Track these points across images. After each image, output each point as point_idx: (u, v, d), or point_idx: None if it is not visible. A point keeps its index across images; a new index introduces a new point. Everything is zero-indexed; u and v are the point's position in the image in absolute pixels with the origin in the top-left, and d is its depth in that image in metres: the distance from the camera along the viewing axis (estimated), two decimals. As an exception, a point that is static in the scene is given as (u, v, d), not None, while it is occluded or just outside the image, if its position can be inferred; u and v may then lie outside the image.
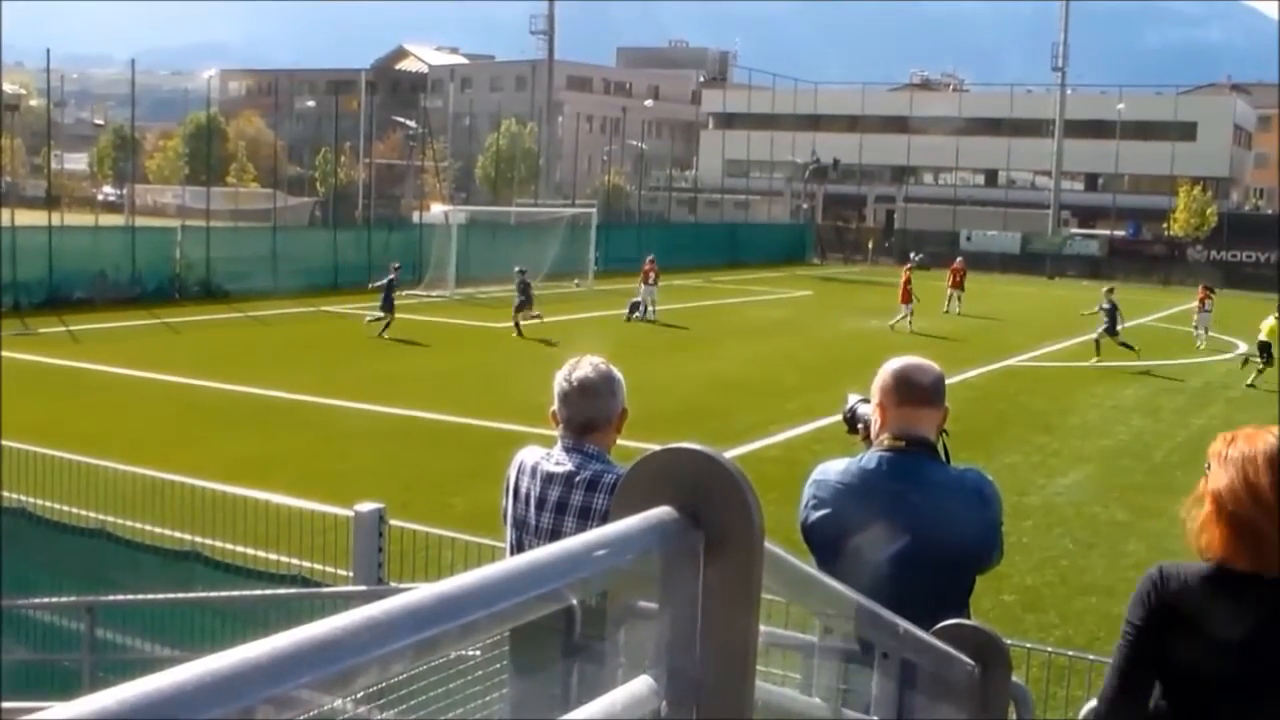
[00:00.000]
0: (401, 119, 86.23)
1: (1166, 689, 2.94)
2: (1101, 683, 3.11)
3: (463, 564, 7.57)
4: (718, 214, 77.81)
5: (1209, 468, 2.95)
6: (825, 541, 3.68)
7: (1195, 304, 33.52)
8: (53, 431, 13.06)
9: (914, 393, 3.82)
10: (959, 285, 38.73)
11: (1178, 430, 20.41)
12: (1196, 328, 33.09)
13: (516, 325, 29.15)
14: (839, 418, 4.44)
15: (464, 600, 0.98)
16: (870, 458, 3.80)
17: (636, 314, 33.49)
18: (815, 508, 3.81)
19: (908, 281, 32.70)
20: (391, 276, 29.31)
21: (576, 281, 44.57)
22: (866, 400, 4.04)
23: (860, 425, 4.11)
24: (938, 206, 75.93)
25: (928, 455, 3.80)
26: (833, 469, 3.87)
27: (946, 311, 37.63)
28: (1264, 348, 25.65)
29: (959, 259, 41.73)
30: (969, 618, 3.12)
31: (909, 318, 32.41)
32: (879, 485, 3.74)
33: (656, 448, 1.26)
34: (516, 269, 30.45)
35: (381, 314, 28.66)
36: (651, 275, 34.24)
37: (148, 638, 8.46)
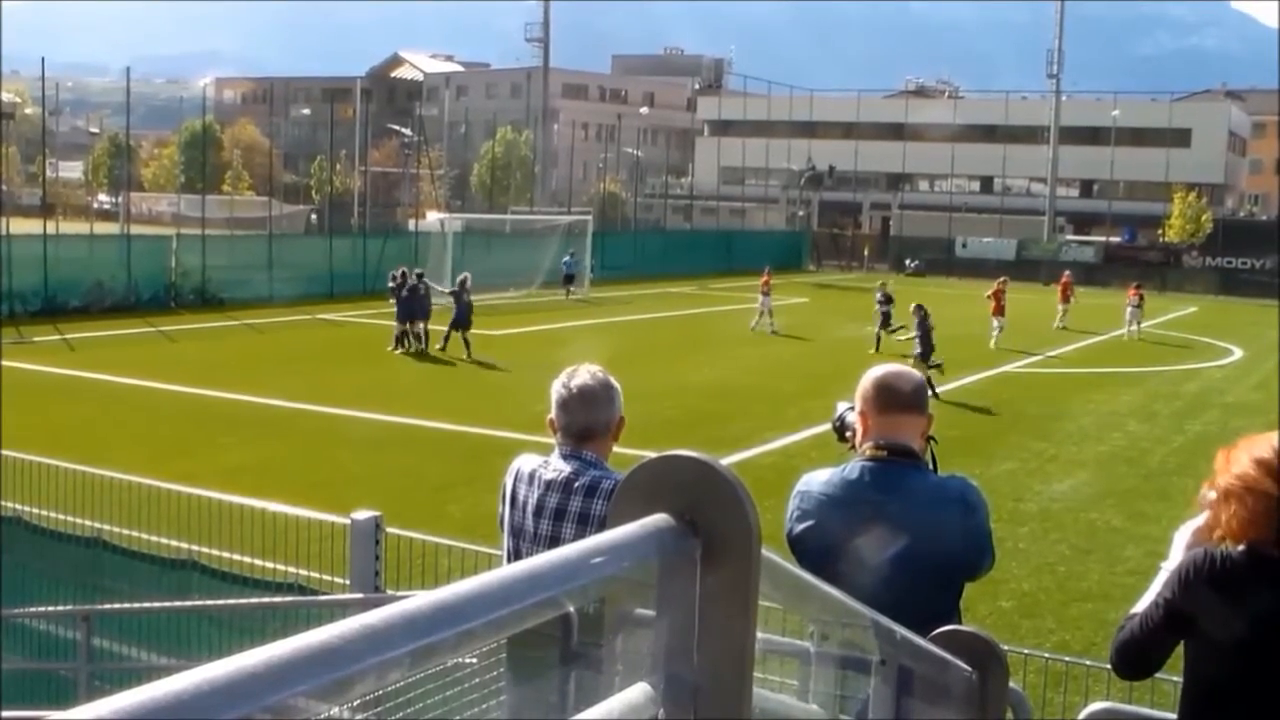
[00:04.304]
0: (397, 127, 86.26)
1: (1202, 659, 3.06)
2: (1102, 689, 3.19)
3: (460, 571, 7.56)
4: (713, 221, 77.86)
5: (1216, 478, 3.04)
6: (811, 553, 3.68)
7: (1133, 299, 35.56)
8: (49, 440, 13.05)
9: (895, 400, 3.82)
10: (1067, 299, 37.95)
11: (1174, 436, 20.41)
12: (1130, 323, 35.28)
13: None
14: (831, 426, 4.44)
15: (461, 608, 0.98)
16: (853, 468, 3.80)
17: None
18: (800, 519, 3.82)
19: (999, 294, 31.55)
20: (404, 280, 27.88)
21: (572, 290, 44.61)
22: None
23: (849, 434, 4.11)
24: (933, 213, 76.02)
25: (910, 464, 3.80)
26: (816, 480, 3.87)
27: (1058, 327, 36.95)
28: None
29: (1066, 273, 40.88)
30: (961, 624, 3.12)
31: (1000, 332, 31.43)
32: (862, 495, 3.74)
33: (653, 455, 1.26)
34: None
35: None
36: (768, 285, 34.19)
37: (144, 646, 8.44)
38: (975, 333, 33.90)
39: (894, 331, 27.98)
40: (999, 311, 31.29)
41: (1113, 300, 39.65)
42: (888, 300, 28.66)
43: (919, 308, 23.83)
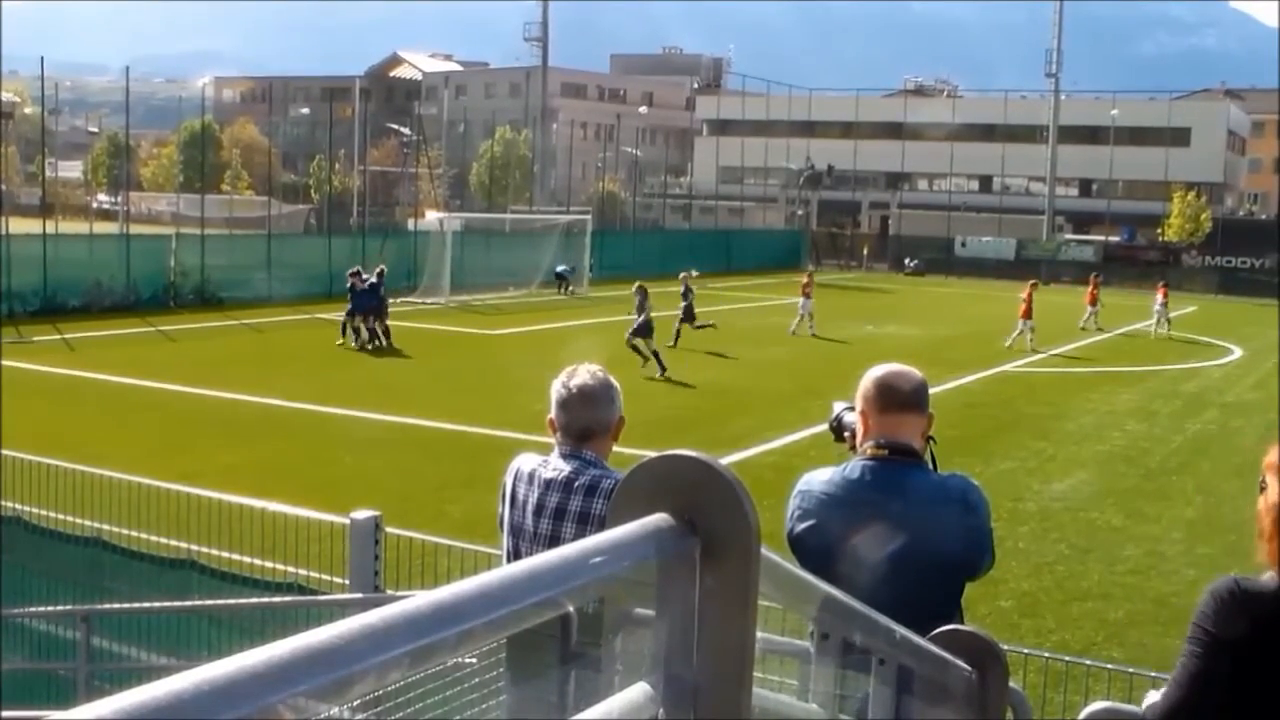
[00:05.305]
0: (396, 126, 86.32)
1: (1234, 702, 2.85)
2: (1102, 688, 3.09)
3: (459, 571, 7.56)
4: (712, 221, 77.87)
5: (1265, 483, 2.88)
6: (812, 552, 3.67)
7: (1159, 298, 36.89)
8: (49, 440, 13.05)
9: (896, 399, 3.81)
10: (1095, 301, 37.70)
11: (1173, 435, 20.43)
12: (1158, 320, 36.59)
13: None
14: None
15: (461, 608, 0.98)
16: (854, 467, 3.80)
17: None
18: (801, 519, 3.81)
19: (1030, 297, 31.56)
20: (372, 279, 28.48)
21: (572, 288, 44.65)
22: (853, 408, 4.04)
23: (847, 434, 4.11)
24: (932, 212, 76.03)
25: (912, 463, 3.79)
26: (817, 479, 3.86)
27: (1083, 328, 37.03)
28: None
29: (1095, 274, 40.81)
30: (961, 624, 3.12)
31: (1027, 334, 31.32)
32: (863, 495, 3.73)
33: (653, 454, 1.26)
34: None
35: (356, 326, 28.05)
36: (810, 288, 34.06)
37: (144, 646, 8.44)
38: (977, 331, 33.94)
39: (700, 327, 28.50)
40: (1028, 314, 31.38)
41: (1111, 299, 39.61)
42: (688, 293, 28.82)
43: (640, 289, 25.22)
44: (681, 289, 28.66)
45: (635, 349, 24.53)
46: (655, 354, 24.31)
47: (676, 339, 27.88)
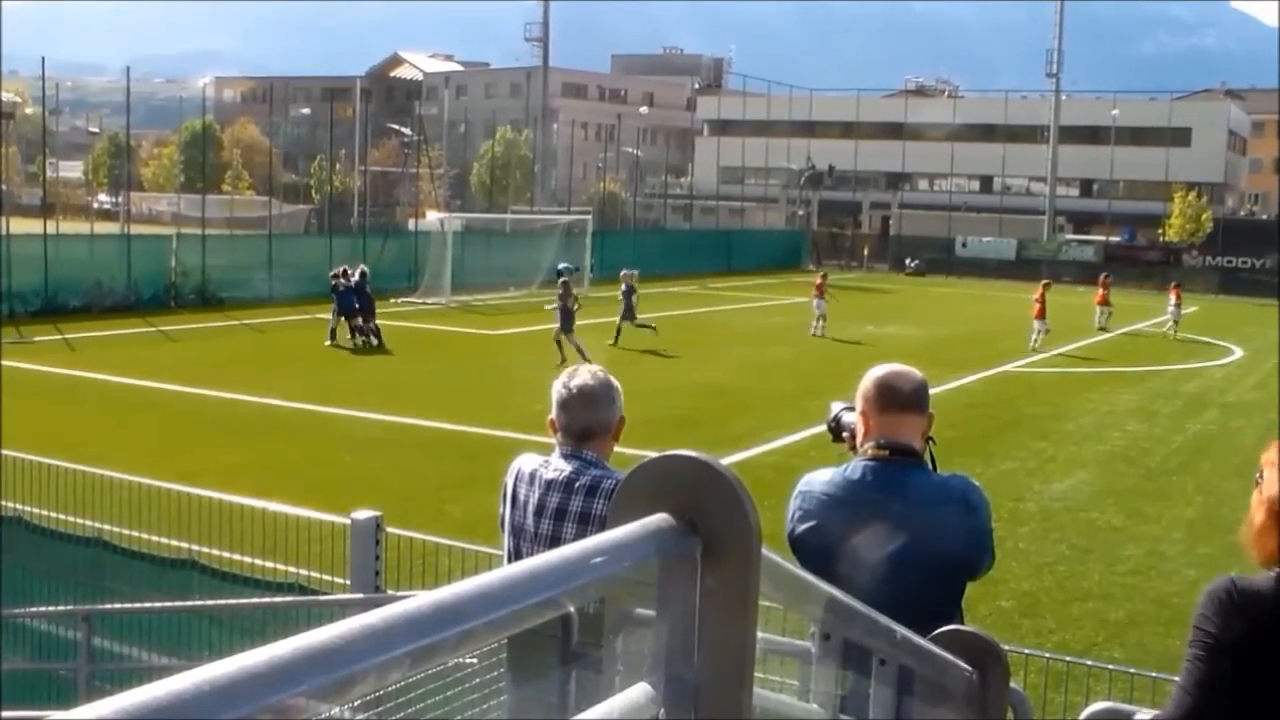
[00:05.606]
0: (397, 126, 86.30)
1: (1239, 703, 2.81)
2: (1103, 689, 3.08)
3: (460, 571, 7.56)
4: (713, 221, 77.84)
5: (1261, 476, 2.88)
6: (813, 553, 3.67)
7: (1173, 300, 37.14)
8: (49, 440, 13.04)
9: (896, 399, 3.81)
10: (1106, 301, 37.83)
11: (1173, 435, 20.42)
12: (1172, 322, 36.74)
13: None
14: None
15: (461, 608, 0.98)
16: (854, 467, 3.79)
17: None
18: (801, 520, 3.81)
19: (1043, 297, 31.74)
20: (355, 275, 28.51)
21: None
22: (851, 408, 4.03)
23: (845, 434, 4.10)
24: (933, 213, 76.00)
25: (912, 463, 3.79)
26: (818, 480, 3.86)
27: (1100, 327, 37.03)
28: None
29: (1105, 275, 40.84)
30: (962, 624, 3.12)
31: (1041, 336, 31.47)
32: (864, 495, 3.73)
33: (654, 454, 1.26)
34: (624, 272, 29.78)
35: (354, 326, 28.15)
36: (823, 289, 33.87)
37: (145, 646, 8.44)
38: (978, 332, 33.91)
39: (641, 326, 28.69)
40: (1041, 315, 31.45)
41: (1113, 300, 39.52)
42: (631, 292, 29.02)
43: (563, 283, 26.01)
44: (623, 288, 28.78)
45: (559, 345, 24.97)
46: (562, 345, 24.74)
47: (617, 337, 28.05)
